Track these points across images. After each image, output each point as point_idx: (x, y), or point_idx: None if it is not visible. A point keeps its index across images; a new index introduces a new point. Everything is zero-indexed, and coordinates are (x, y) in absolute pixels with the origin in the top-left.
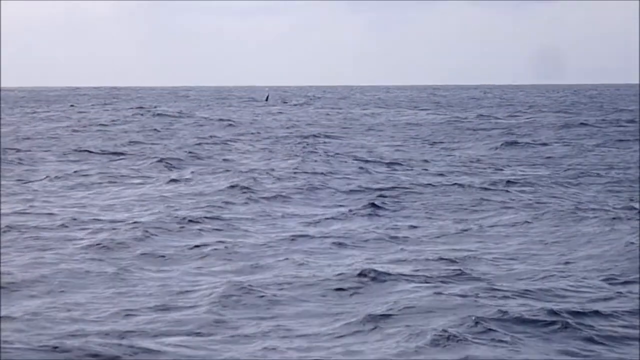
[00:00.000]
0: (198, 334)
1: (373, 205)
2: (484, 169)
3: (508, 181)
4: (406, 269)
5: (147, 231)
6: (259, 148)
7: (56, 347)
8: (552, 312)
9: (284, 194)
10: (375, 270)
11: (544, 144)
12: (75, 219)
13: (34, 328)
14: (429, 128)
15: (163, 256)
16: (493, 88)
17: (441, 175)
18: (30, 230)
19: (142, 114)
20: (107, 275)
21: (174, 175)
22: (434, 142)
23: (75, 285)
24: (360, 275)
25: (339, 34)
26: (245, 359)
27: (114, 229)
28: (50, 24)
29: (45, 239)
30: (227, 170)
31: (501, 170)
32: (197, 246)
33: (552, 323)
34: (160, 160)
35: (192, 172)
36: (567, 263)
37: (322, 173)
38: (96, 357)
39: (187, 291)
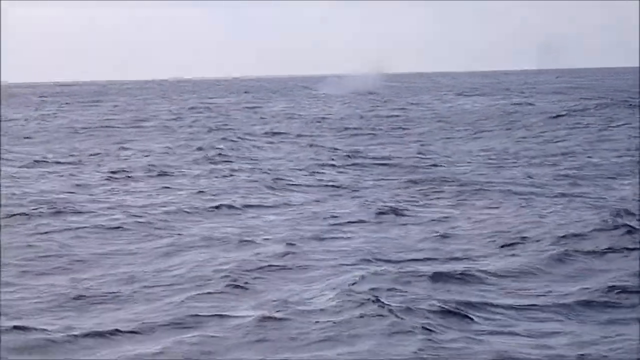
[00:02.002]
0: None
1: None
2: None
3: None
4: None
5: (177, 215)
6: (312, 144)
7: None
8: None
9: (320, 186)
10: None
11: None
12: (118, 206)
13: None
14: (500, 114)
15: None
16: (564, 72)
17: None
18: (80, 213)
19: (202, 107)
20: (154, 251)
21: (214, 168)
22: (509, 130)
23: (123, 261)
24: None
25: (402, 23)
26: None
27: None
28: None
29: (93, 220)
30: (266, 169)
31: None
32: (217, 227)
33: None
34: (207, 157)
35: (234, 169)
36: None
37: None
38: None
39: (214, 265)
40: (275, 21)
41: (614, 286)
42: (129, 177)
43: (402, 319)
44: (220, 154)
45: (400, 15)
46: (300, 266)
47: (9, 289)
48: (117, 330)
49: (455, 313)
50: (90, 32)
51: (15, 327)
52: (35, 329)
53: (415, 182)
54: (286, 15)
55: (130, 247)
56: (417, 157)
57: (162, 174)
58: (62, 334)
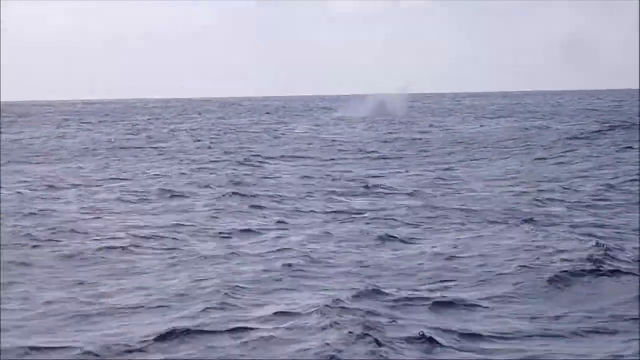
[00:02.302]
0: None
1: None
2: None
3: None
4: None
5: (187, 236)
6: (331, 169)
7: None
8: None
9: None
10: None
11: None
12: (130, 227)
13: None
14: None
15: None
16: (584, 94)
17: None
18: (90, 234)
19: (222, 128)
20: (163, 269)
21: (228, 192)
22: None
23: (134, 279)
24: None
25: (428, 42)
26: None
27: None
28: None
29: (104, 242)
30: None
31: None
32: (224, 248)
33: None
34: (221, 181)
35: (248, 194)
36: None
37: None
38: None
39: (216, 282)
40: (294, 38)
41: (612, 314)
42: (142, 199)
43: (391, 345)
44: (234, 181)
45: (422, 32)
46: (296, 286)
47: (20, 307)
48: (124, 344)
49: (445, 340)
50: (114, 50)
51: (32, 348)
52: (52, 348)
53: (428, 209)
54: (306, 32)
55: (141, 265)
56: (436, 183)
57: (176, 197)
58: (75, 352)
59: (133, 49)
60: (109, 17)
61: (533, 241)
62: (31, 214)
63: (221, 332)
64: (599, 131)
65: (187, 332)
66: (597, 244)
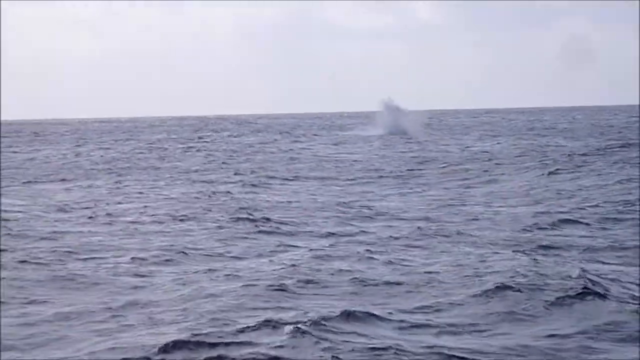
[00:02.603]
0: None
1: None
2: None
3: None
4: None
5: (191, 257)
6: (343, 189)
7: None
8: None
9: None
10: None
11: None
12: (134, 249)
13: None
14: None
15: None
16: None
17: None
18: (93, 258)
19: (235, 148)
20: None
21: (238, 217)
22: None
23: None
24: None
25: (444, 58)
26: None
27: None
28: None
29: (109, 263)
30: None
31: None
32: (223, 269)
33: None
34: (230, 203)
35: (259, 218)
36: None
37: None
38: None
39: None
40: (307, 54)
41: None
42: (154, 221)
43: None
44: (244, 206)
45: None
46: (295, 305)
47: (30, 322)
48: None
49: None
50: (131, 68)
51: None
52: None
53: (439, 231)
54: (321, 49)
55: (149, 284)
56: (451, 204)
57: (187, 219)
58: None
59: (149, 70)
60: (125, 35)
61: (540, 262)
62: (42, 238)
63: (217, 346)
64: (615, 147)
65: (189, 344)
66: (596, 270)
